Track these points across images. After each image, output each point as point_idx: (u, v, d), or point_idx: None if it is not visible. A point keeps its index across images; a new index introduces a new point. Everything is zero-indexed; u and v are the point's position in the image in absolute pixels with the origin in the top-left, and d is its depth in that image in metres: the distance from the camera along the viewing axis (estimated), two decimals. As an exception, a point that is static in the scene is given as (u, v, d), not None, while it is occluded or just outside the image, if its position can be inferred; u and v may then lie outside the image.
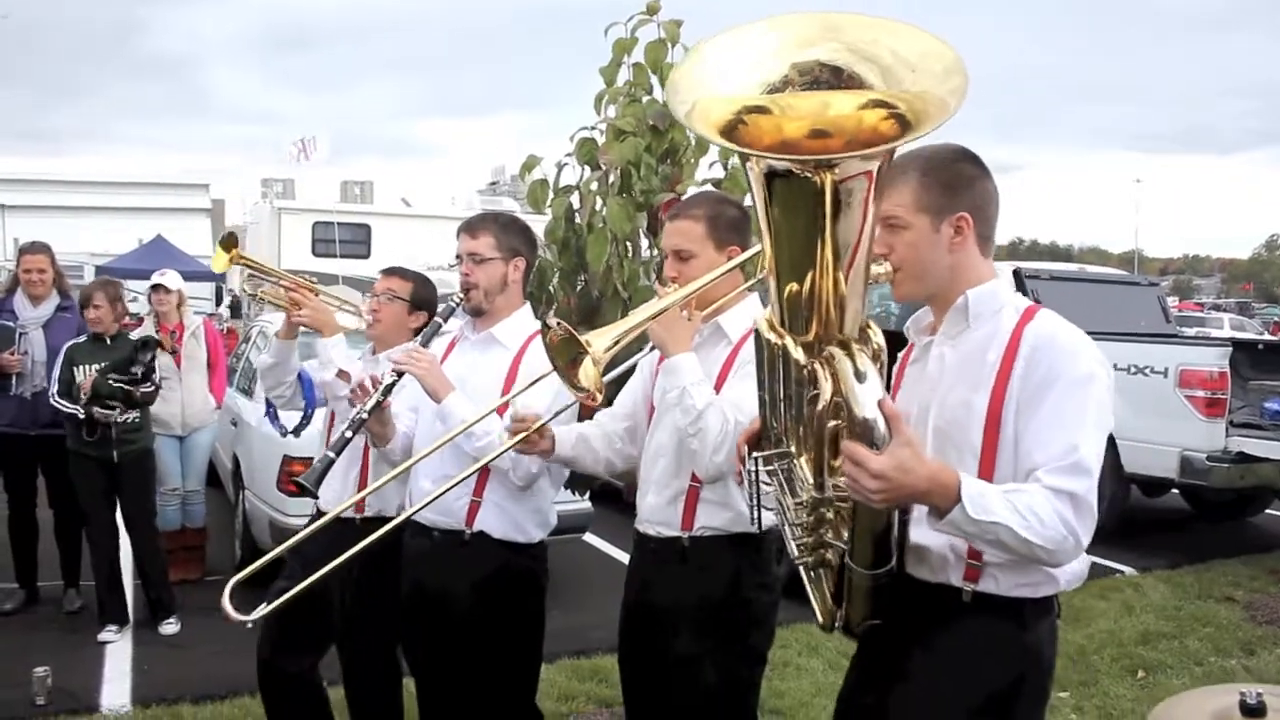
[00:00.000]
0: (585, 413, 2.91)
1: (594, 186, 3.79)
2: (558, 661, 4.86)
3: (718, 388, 2.56)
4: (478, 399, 2.86)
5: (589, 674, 4.82)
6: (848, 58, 1.67)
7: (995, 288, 2.03)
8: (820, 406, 1.78)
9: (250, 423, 6.23)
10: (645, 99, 3.82)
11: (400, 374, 2.89)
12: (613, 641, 2.89)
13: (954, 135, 2.07)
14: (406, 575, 3.06)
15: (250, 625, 2.49)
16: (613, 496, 5.88)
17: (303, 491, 2.90)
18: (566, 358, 2.30)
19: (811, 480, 1.90)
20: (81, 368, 5.19)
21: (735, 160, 3.67)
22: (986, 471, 1.92)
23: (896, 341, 2.17)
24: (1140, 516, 8.24)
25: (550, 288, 3.86)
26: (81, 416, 5.12)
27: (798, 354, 1.84)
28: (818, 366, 1.79)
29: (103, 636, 5.21)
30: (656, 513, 2.68)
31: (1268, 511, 8.93)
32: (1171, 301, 23.16)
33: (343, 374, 3.38)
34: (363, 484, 3.31)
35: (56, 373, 5.23)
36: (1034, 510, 1.78)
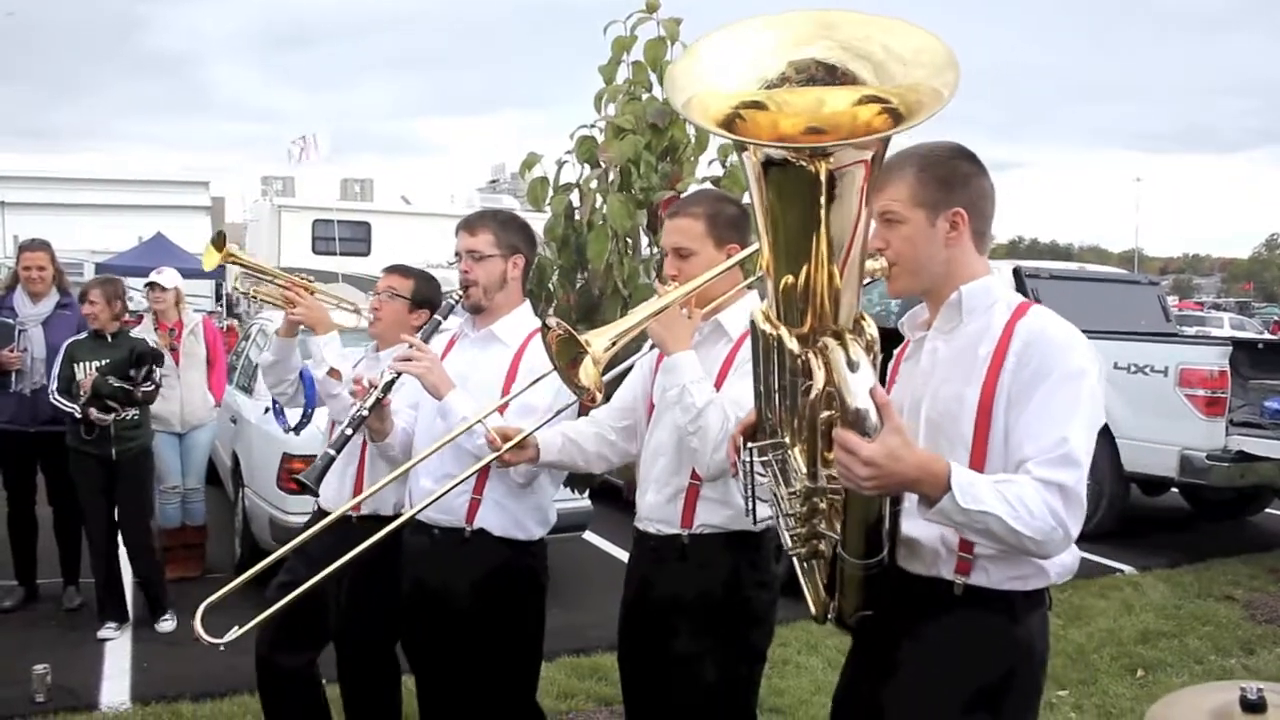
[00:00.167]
0: (584, 412, 2.91)
1: (594, 184, 3.79)
2: (557, 659, 4.86)
3: (718, 385, 2.56)
4: (478, 396, 2.86)
5: (589, 672, 4.83)
6: (841, 55, 1.70)
7: (989, 283, 2.04)
8: (813, 396, 1.79)
9: (250, 420, 6.23)
10: (645, 97, 3.82)
11: (400, 371, 2.89)
12: (612, 639, 2.89)
13: (954, 134, 2.10)
14: (407, 573, 3.06)
15: (223, 648, 2.44)
16: (613, 494, 5.88)
17: (303, 489, 2.90)
18: (566, 358, 2.31)
19: (805, 470, 1.91)
20: (82, 365, 5.19)
21: (734, 158, 3.67)
22: (977, 463, 1.93)
23: (893, 339, 2.18)
24: (1140, 515, 8.24)
25: (550, 285, 3.85)
26: (78, 416, 5.12)
27: (792, 345, 1.85)
28: (811, 357, 1.79)
29: (102, 634, 5.21)
30: (656, 510, 2.68)
31: (1268, 510, 8.94)
32: (1172, 301, 23.19)
33: (334, 372, 3.37)
34: (359, 481, 3.31)
35: (56, 370, 5.24)
36: (1023, 501, 1.79)
